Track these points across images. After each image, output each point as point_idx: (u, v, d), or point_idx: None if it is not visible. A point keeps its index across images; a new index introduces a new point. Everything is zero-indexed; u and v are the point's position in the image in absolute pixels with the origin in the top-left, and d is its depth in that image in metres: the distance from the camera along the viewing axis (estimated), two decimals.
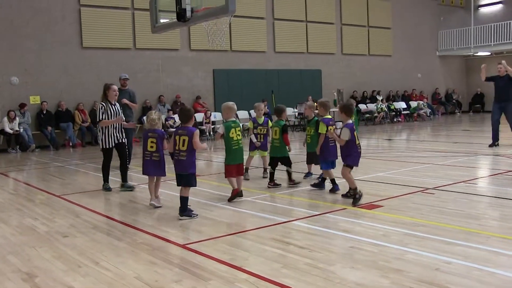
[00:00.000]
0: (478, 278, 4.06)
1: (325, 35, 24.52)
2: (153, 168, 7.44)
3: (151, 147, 7.47)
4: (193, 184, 6.57)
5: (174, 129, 18.33)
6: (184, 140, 6.45)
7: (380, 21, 26.84)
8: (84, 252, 5.20)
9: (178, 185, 6.59)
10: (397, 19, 27.58)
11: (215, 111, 20.35)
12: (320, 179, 8.24)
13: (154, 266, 4.68)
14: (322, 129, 7.74)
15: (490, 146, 12.82)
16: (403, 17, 27.84)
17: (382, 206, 6.73)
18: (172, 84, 20.00)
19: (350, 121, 7.09)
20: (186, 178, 6.48)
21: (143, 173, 7.59)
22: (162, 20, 8.63)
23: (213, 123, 19.63)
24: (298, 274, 4.30)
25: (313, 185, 8.21)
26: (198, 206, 7.13)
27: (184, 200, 6.51)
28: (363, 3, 26.05)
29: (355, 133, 7.06)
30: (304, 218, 6.27)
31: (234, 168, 7.39)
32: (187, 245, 5.27)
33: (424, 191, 7.60)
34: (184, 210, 6.51)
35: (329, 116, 8.05)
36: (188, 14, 7.53)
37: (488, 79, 13.12)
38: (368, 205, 6.78)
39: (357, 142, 7.07)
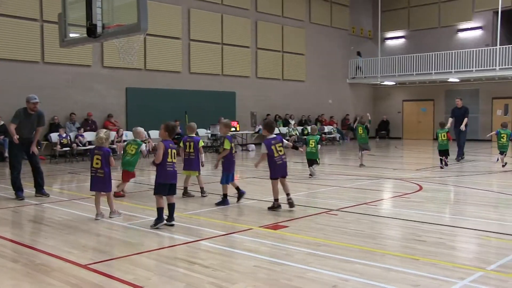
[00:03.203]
0: None
1: (240, 58, 24.89)
2: (98, 184, 7.62)
3: (96, 163, 7.60)
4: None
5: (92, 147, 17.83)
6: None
7: (295, 47, 27.63)
8: None
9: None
10: (311, 46, 28.53)
11: (127, 129, 19.99)
12: (222, 196, 8.66)
13: (51, 287, 4.52)
14: (227, 145, 8.50)
15: (456, 160, 15.90)
16: (316, 44, 28.84)
17: (287, 226, 6.90)
18: (83, 101, 19.44)
19: (270, 137, 8.20)
20: None
21: (90, 189, 7.72)
22: (71, 35, 8.43)
23: (124, 141, 19.24)
24: None
25: (218, 204, 8.55)
26: (103, 225, 6.98)
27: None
28: (278, 28, 26.74)
29: (272, 147, 8.08)
30: (211, 238, 6.30)
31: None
32: (88, 265, 5.13)
33: (328, 212, 7.88)
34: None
35: (229, 134, 8.81)
36: (99, 30, 7.42)
37: (452, 112, 16.85)
38: (274, 226, 6.93)
39: (275, 155, 8.06)
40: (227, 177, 8.64)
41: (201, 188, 9.58)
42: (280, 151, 8.21)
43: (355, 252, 5.60)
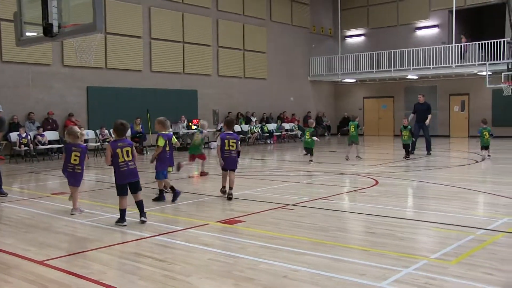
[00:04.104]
0: (318, 282, 4.51)
1: (201, 56, 24.97)
2: (77, 180, 7.94)
3: (74, 160, 7.86)
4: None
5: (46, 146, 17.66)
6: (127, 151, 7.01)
7: (256, 45, 27.84)
8: None
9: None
10: (272, 44, 28.79)
11: (88, 128, 19.86)
12: (159, 192, 8.98)
13: (8, 284, 4.60)
14: (161, 142, 8.76)
15: (405, 157, 15.90)
16: (277, 42, 29.12)
17: (243, 221, 7.10)
18: (43, 100, 19.21)
19: (227, 132, 9.13)
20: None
21: (69, 185, 7.98)
22: (28, 34, 8.39)
23: (86, 141, 19.11)
24: (154, 285, 4.47)
25: (155, 199, 8.89)
26: (61, 223, 7.05)
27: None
28: (239, 27, 26.91)
29: (226, 141, 8.96)
30: (167, 233, 6.45)
31: None
32: (45, 262, 5.22)
33: (284, 207, 8.11)
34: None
35: (167, 132, 9.06)
36: (55, 29, 7.42)
37: (414, 108, 17.47)
38: (230, 220, 7.12)
39: (226, 148, 8.97)
40: (161, 173, 8.86)
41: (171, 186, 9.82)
42: (232, 146, 9.03)
43: (307, 244, 5.83)
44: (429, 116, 17.27)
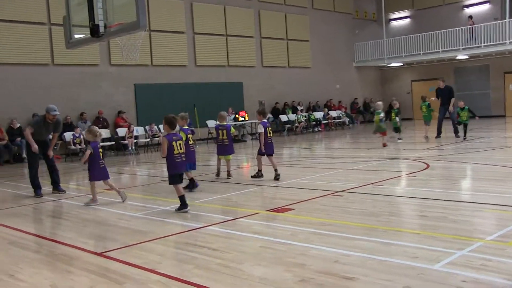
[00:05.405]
0: (370, 266, 4.50)
1: (245, 48, 25.06)
2: (106, 174, 8.70)
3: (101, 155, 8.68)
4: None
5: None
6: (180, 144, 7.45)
7: (298, 34, 27.71)
8: None
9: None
10: (315, 32, 28.60)
11: (137, 125, 20.33)
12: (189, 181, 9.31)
13: (70, 274, 4.82)
14: (183, 136, 8.93)
15: (436, 137, 16.77)
16: (320, 30, 28.90)
17: (293, 209, 7.13)
18: (93, 99, 19.77)
19: (264, 120, 10.12)
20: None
21: (100, 180, 8.68)
22: (76, 36, 8.69)
23: (136, 137, 19.59)
24: (209, 273, 4.58)
25: (186, 187, 9.12)
26: (116, 217, 7.28)
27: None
28: (281, 17, 26.84)
29: (269, 129, 10.06)
30: (219, 223, 6.56)
31: None
32: (103, 253, 5.43)
33: (334, 194, 8.09)
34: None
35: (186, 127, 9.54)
36: (102, 29, 7.67)
37: (436, 93, 17.50)
38: (280, 209, 7.17)
39: (268, 135, 9.96)
40: (187, 164, 9.06)
41: (228, 171, 10.54)
42: (271, 133, 10.14)
43: (357, 229, 5.82)
44: (452, 99, 17.07)
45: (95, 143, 8.58)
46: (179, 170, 7.47)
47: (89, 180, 8.63)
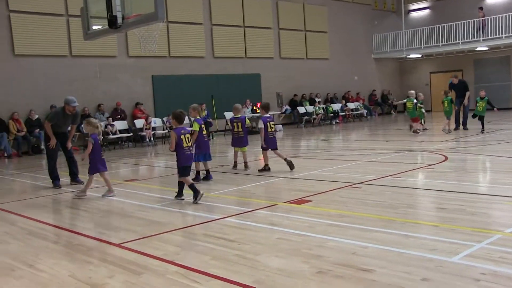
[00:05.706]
0: (388, 258, 4.47)
1: (263, 39, 24.97)
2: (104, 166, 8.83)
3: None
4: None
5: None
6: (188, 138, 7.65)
7: (317, 26, 27.54)
8: (17, 257, 5.29)
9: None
10: (333, 23, 28.39)
11: (155, 117, 20.42)
12: (206, 173, 9.50)
13: (89, 264, 4.85)
14: (196, 127, 9.14)
15: (455, 129, 16.91)
16: (338, 21, 28.68)
17: (311, 201, 7.11)
18: (110, 91, 19.88)
19: (267, 115, 10.28)
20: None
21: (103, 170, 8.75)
22: (94, 27, 8.73)
23: (153, 128, 19.68)
24: (226, 264, 4.58)
25: (203, 179, 9.45)
26: (134, 208, 7.33)
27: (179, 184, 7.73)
28: (299, 8, 26.68)
29: (269, 123, 10.13)
30: (236, 215, 6.56)
31: None
32: (122, 244, 5.46)
33: (352, 186, 8.05)
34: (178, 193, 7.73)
35: (198, 117, 9.62)
36: (119, 21, 7.69)
37: (450, 87, 17.94)
38: (298, 201, 7.15)
39: (269, 130, 10.08)
40: (201, 155, 9.34)
41: (245, 163, 10.66)
42: (273, 128, 10.26)
43: (375, 221, 5.78)
44: (467, 93, 17.37)
45: (95, 135, 8.61)
46: (187, 163, 7.65)
47: (88, 172, 8.63)
